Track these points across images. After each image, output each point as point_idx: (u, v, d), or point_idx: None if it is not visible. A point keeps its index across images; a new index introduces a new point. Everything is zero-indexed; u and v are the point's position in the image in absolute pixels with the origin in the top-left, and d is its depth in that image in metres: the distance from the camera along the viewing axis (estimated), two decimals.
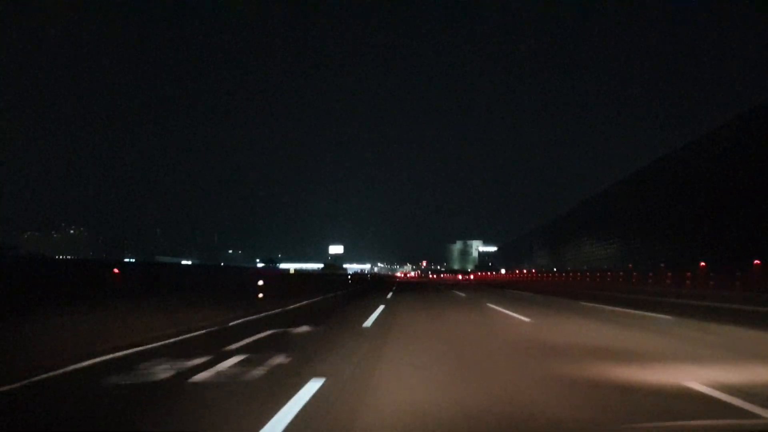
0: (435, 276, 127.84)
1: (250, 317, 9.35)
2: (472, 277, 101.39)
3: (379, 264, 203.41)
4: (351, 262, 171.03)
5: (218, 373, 4.28)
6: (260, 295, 12.73)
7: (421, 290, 26.96)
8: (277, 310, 11.04)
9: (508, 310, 11.66)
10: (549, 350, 5.86)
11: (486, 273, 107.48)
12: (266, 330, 7.33)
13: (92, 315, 7.06)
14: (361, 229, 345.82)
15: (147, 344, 5.75)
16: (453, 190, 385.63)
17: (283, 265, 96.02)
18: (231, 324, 8.22)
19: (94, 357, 4.88)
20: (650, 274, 27.26)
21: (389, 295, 19.24)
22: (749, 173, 25.81)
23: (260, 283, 12.94)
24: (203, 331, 7.19)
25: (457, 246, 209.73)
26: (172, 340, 6.23)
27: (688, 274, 21.28)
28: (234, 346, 5.75)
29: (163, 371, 4.31)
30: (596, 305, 13.52)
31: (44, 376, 4.12)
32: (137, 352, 5.30)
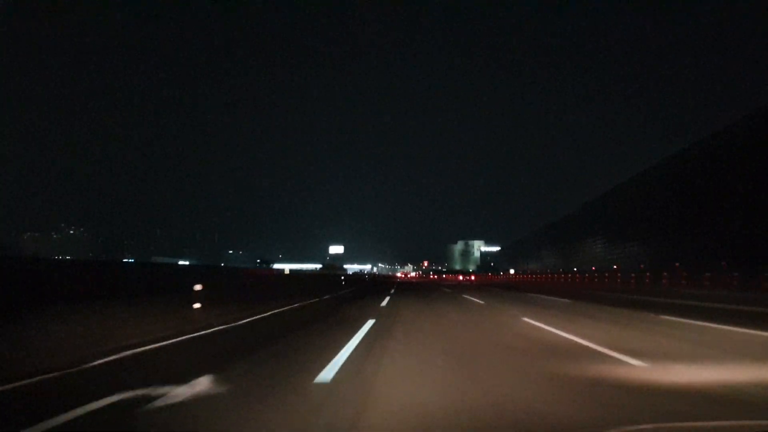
0: (436, 276, 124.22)
1: (146, 347, 5.46)
2: (472, 278, 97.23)
3: (379, 264, 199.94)
4: (352, 262, 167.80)
5: None
6: (196, 306, 8.87)
7: (423, 293, 22.93)
8: (205, 332, 7.16)
9: (568, 332, 7.71)
10: None
11: (489, 275, 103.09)
12: (108, 397, 3.41)
13: None
14: (362, 230, 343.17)
15: None
16: (454, 189, 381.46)
17: (278, 266, 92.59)
18: (76, 370, 4.30)
19: None
20: (684, 274, 23.70)
21: (384, 302, 15.19)
22: None
23: (197, 288, 9.07)
24: None
25: (459, 246, 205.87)
26: None
27: None
28: None
29: None
30: (679, 319, 9.74)
31: None
32: None
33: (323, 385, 3.90)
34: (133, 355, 5.15)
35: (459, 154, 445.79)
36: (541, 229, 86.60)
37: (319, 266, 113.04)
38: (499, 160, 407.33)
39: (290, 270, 54.89)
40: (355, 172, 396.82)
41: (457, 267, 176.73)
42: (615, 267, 44.36)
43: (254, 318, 9.36)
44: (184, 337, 6.55)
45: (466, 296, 19.75)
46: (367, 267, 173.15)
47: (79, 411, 3.11)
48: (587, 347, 6.07)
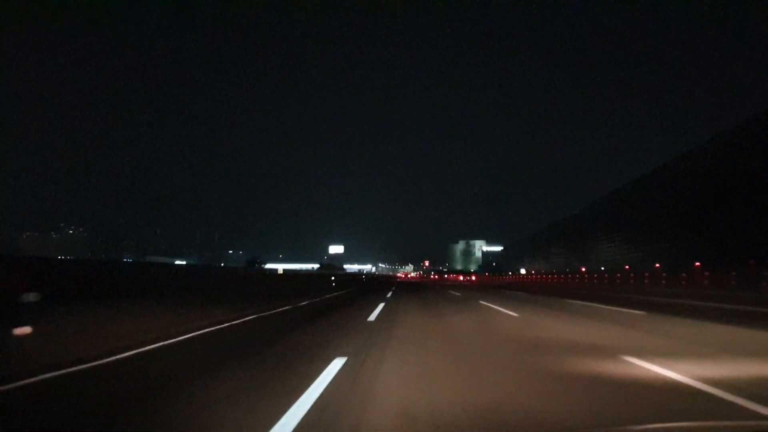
0: (437, 276, 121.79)
1: None
2: (473, 278, 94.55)
3: (380, 264, 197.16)
4: (352, 262, 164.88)
5: None
6: None
7: (426, 297, 20.15)
8: (84, 366, 4.44)
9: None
10: None
11: (486, 274, 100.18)
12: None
13: None
14: (363, 230, 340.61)
15: None
16: (456, 189, 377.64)
17: (272, 266, 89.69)
18: None
19: None
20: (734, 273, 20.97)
21: (378, 309, 12.18)
22: None
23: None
24: None
25: (460, 246, 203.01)
26: None
27: None
28: None
29: None
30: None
31: None
32: None
33: None
34: None
35: (460, 154, 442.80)
36: (545, 229, 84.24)
37: (316, 266, 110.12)
38: (501, 159, 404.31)
39: (284, 270, 52.40)
40: (356, 172, 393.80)
41: (459, 267, 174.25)
42: (626, 267, 41.88)
43: (190, 336, 6.61)
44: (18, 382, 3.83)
45: (484, 303, 15.85)
46: (368, 267, 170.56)
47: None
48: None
